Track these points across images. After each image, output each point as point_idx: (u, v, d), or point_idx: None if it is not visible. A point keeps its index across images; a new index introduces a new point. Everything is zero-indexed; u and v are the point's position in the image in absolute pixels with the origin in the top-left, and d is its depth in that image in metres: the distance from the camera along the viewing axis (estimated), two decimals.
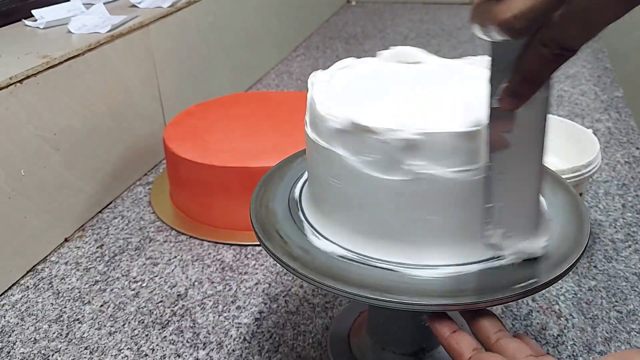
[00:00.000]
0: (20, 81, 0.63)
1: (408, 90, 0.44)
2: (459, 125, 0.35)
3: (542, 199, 0.45)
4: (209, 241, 0.71)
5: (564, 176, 0.58)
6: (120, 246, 0.70)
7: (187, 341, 0.56)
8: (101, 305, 0.61)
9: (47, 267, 0.67)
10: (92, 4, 0.88)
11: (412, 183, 0.37)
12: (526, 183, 0.36)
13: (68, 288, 0.64)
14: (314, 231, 0.43)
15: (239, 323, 0.58)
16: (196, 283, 0.64)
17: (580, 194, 0.64)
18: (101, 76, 0.76)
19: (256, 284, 0.63)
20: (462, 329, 0.37)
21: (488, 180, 0.36)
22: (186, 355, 0.54)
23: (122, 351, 0.55)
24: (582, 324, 0.56)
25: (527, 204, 0.37)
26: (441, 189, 0.37)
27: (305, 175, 0.49)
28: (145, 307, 0.60)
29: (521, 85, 0.31)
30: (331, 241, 0.41)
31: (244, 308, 0.60)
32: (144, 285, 0.64)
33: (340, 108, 0.39)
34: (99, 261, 0.68)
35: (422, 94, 0.43)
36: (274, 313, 0.59)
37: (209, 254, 0.69)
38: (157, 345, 0.55)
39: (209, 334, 0.56)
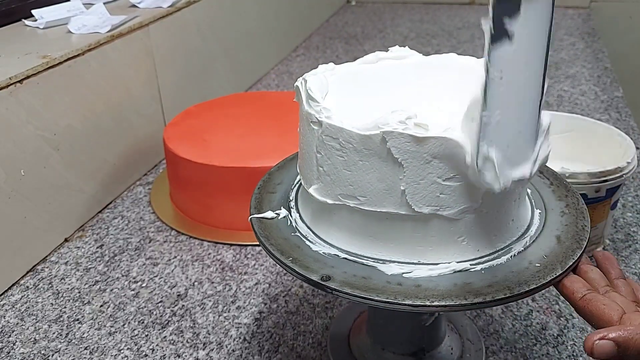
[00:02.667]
0: (20, 81, 0.63)
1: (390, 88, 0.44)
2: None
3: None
4: (209, 241, 0.71)
5: (601, 178, 0.58)
6: (120, 246, 0.70)
7: (187, 341, 0.56)
8: (101, 306, 0.61)
9: (47, 267, 0.67)
10: (92, 4, 0.88)
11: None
12: (527, 91, 0.32)
13: (68, 288, 0.64)
14: (328, 243, 0.42)
15: (239, 323, 0.58)
16: (196, 283, 0.64)
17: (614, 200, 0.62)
18: (101, 76, 0.76)
19: (256, 284, 0.63)
20: None
21: (486, 84, 0.31)
22: (186, 355, 0.54)
23: (122, 351, 0.55)
24: (582, 323, 0.56)
25: (527, 119, 0.33)
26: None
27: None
28: (145, 307, 0.60)
29: None
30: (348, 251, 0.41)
31: (244, 308, 0.60)
32: (144, 285, 0.64)
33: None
34: (99, 261, 0.68)
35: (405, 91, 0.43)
36: (274, 313, 0.59)
37: (209, 254, 0.69)
38: (157, 345, 0.55)
39: (209, 334, 0.56)
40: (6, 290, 0.64)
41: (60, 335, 0.57)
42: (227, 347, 0.55)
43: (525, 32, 0.30)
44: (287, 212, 0.45)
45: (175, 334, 0.56)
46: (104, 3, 0.89)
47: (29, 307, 0.61)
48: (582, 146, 0.67)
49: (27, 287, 0.64)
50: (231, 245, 0.70)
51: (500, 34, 0.30)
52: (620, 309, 0.34)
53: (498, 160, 0.33)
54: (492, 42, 0.30)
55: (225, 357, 0.54)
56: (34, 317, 0.60)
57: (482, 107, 0.31)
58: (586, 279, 0.38)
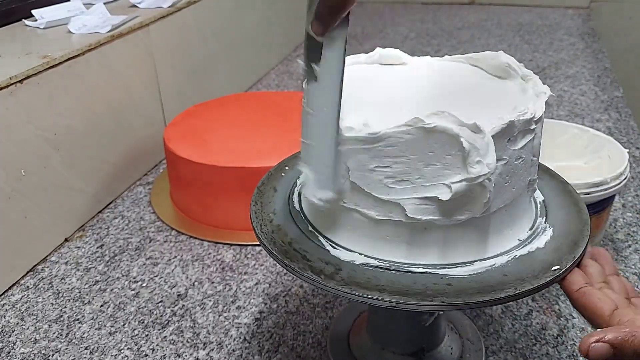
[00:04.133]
0: (20, 81, 0.63)
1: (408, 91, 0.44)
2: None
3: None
4: (209, 241, 0.71)
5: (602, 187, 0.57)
6: (120, 246, 0.70)
7: (187, 341, 0.56)
8: (101, 305, 0.61)
9: (47, 267, 0.67)
10: (92, 4, 0.88)
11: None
12: (325, 127, 0.38)
13: (68, 288, 0.64)
14: (331, 243, 0.41)
15: (239, 323, 0.58)
16: (196, 283, 0.64)
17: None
18: (101, 76, 0.76)
19: (256, 284, 0.63)
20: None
21: (304, 114, 0.39)
22: (186, 355, 0.54)
23: (122, 351, 0.55)
24: (582, 324, 0.56)
25: (326, 150, 0.38)
26: None
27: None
28: (145, 307, 0.60)
29: (324, 10, 0.36)
30: (349, 249, 0.41)
31: (244, 308, 0.60)
32: (144, 285, 0.64)
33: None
34: (99, 261, 0.68)
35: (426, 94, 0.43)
36: (274, 313, 0.59)
37: (209, 254, 0.69)
38: (157, 345, 0.55)
39: (209, 334, 0.57)
40: (6, 290, 0.64)
41: (61, 335, 0.57)
42: (227, 347, 0.55)
43: (324, 75, 0.38)
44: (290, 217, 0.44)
45: (175, 334, 0.57)
46: (104, 3, 0.89)
47: (29, 307, 0.61)
48: (573, 154, 0.67)
49: (28, 287, 0.64)
50: (231, 245, 0.70)
51: (310, 74, 0.38)
52: (613, 304, 0.35)
53: (311, 179, 0.39)
54: (306, 82, 0.38)
55: (225, 357, 0.54)
56: (34, 317, 0.60)
57: (301, 134, 0.39)
58: (585, 273, 0.39)
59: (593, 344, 0.32)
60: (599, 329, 0.34)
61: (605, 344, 0.32)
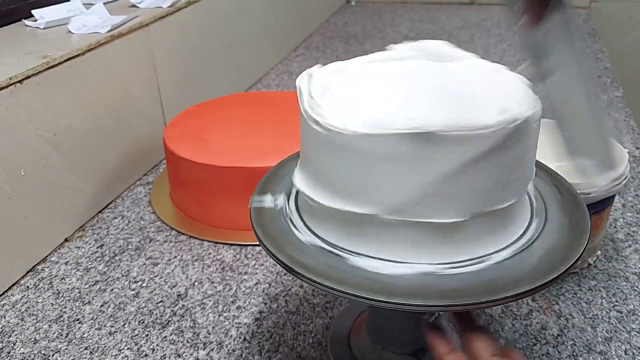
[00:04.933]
0: (20, 81, 0.63)
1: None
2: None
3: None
4: (209, 241, 0.71)
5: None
6: (120, 246, 0.70)
7: (187, 341, 0.56)
8: (101, 305, 0.61)
9: (47, 267, 0.67)
10: (92, 4, 0.88)
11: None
12: (586, 108, 0.36)
13: (68, 288, 0.64)
14: (330, 242, 0.41)
15: (239, 323, 0.58)
16: (196, 283, 0.64)
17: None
18: (101, 76, 0.76)
19: (256, 283, 0.63)
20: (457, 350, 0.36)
21: (553, 110, 0.36)
22: (186, 355, 0.54)
23: (122, 351, 0.55)
24: (582, 324, 0.56)
25: (597, 129, 0.37)
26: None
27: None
28: (145, 307, 0.60)
29: None
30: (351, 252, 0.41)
31: (244, 308, 0.60)
32: (144, 285, 0.64)
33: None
34: (99, 261, 0.68)
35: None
36: (274, 313, 0.59)
37: (209, 254, 0.69)
38: (157, 345, 0.55)
39: (209, 334, 0.57)
40: (6, 290, 0.64)
41: (61, 335, 0.57)
42: (227, 347, 0.55)
43: (562, 63, 0.34)
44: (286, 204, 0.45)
45: (175, 334, 0.57)
46: (104, 3, 0.89)
47: (29, 307, 0.61)
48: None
49: (28, 287, 0.64)
50: (231, 245, 0.70)
51: (541, 74, 0.34)
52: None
53: (590, 167, 0.38)
54: (540, 81, 0.35)
55: (225, 357, 0.54)
56: (34, 317, 0.60)
57: (561, 128, 0.36)
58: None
59: None
60: None
61: None
